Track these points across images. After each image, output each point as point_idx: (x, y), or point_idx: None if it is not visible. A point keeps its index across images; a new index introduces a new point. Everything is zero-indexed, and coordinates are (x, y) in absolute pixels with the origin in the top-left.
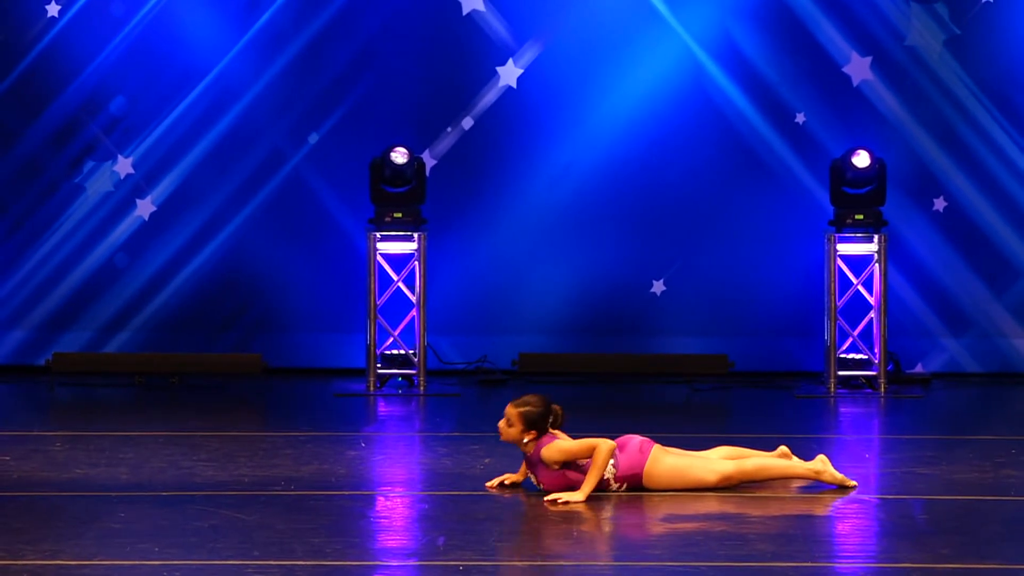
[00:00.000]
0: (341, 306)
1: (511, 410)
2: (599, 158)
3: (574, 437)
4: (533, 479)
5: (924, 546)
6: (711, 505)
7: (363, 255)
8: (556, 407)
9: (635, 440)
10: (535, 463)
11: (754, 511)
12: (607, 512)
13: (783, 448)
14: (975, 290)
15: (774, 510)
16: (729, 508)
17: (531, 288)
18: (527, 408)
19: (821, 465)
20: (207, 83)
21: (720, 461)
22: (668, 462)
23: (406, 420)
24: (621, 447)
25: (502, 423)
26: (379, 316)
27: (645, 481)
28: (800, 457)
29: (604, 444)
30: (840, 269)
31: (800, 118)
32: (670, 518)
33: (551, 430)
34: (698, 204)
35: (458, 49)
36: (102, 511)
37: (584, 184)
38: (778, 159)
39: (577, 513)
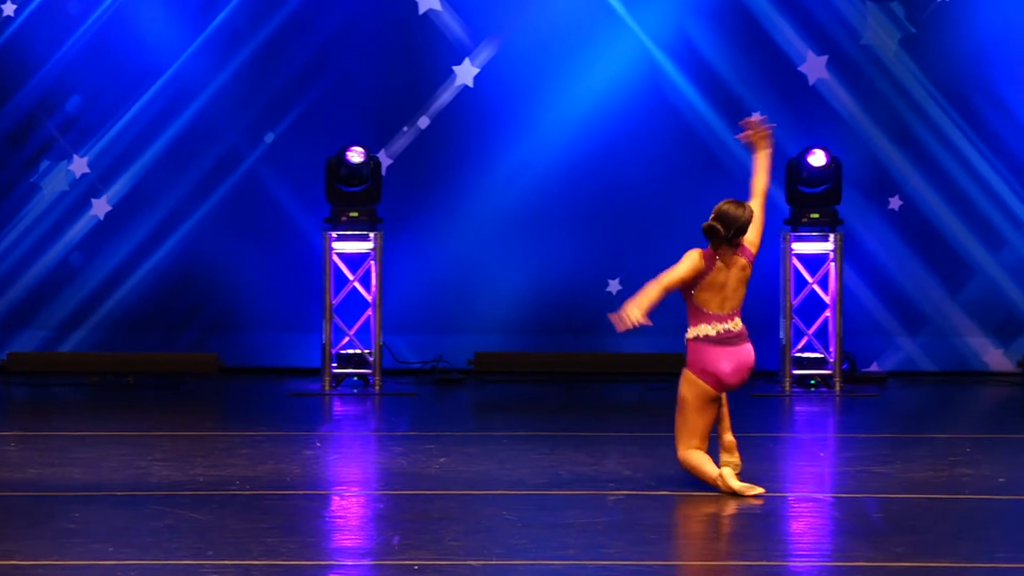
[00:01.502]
0: (297, 305)
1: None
2: (555, 157)
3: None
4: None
5: (879, 545)
6: (666, 503)
7: (319, 254)
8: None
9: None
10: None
11: (709, 509)
12: (564, 511)
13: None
14: (930, 289)
15: (729, 508)
16: (683, 505)
17: (487, 287)
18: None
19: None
20: (163, 82)
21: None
22: None
23: (362, 419)
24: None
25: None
26: (335, 315)
27: None
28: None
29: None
30: (795, 268)
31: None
32: (625, 515)
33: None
34: (654, 203)
35: (414, 48)
36: (57, 511)
37: (540, 183)
38: (734, 158)
39: (532, 511)
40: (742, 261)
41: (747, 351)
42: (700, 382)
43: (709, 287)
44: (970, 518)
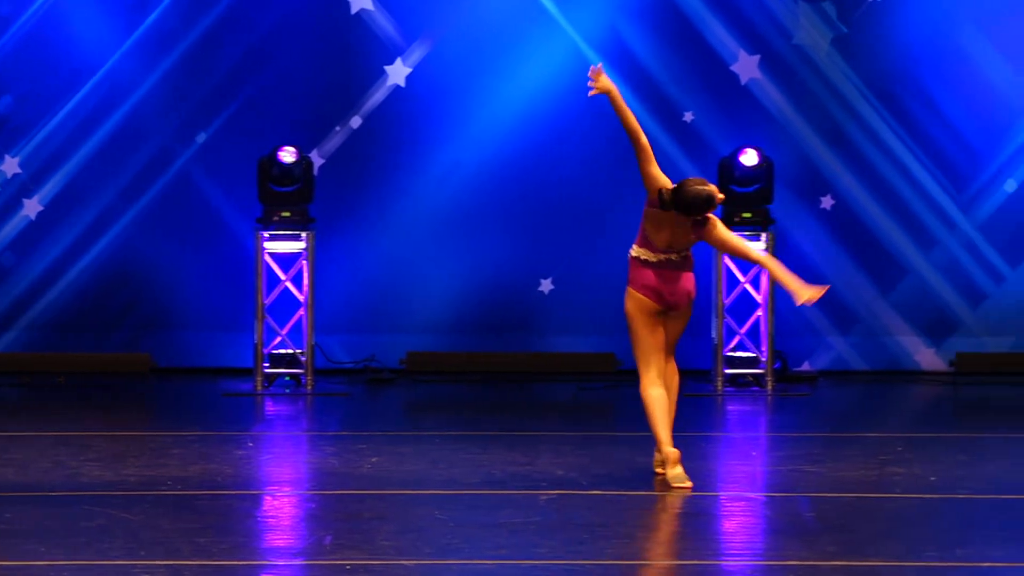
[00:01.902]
0: (229, 305)
1: (710, 185)
2: (487, 157)
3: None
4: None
5: (810, 543)
6: (599, 503)
7: (251, 254)
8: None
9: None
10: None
11: (641, 508)
12: (497, 510)
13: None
14: (862, 288)
15: (661, 507)
16: (616, 505)
17: (419, 287)
18: (694, 183)
19: (669, 463)
20: (95, 82)
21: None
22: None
23: (293, 419)
24: None
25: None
26: (267, 315)
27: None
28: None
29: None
30: (728, 267)
31: (688, 116)
32: (558, 515)
33: None
34: (586, 202)
35: (347, 48)
36: None
37: (472, 183)
38: (666, 157)
39: (465, 510)
40: (689, 229)
41: (686, 277)
42: (638, 295)
43: (653, 221)
44: (901, 517)
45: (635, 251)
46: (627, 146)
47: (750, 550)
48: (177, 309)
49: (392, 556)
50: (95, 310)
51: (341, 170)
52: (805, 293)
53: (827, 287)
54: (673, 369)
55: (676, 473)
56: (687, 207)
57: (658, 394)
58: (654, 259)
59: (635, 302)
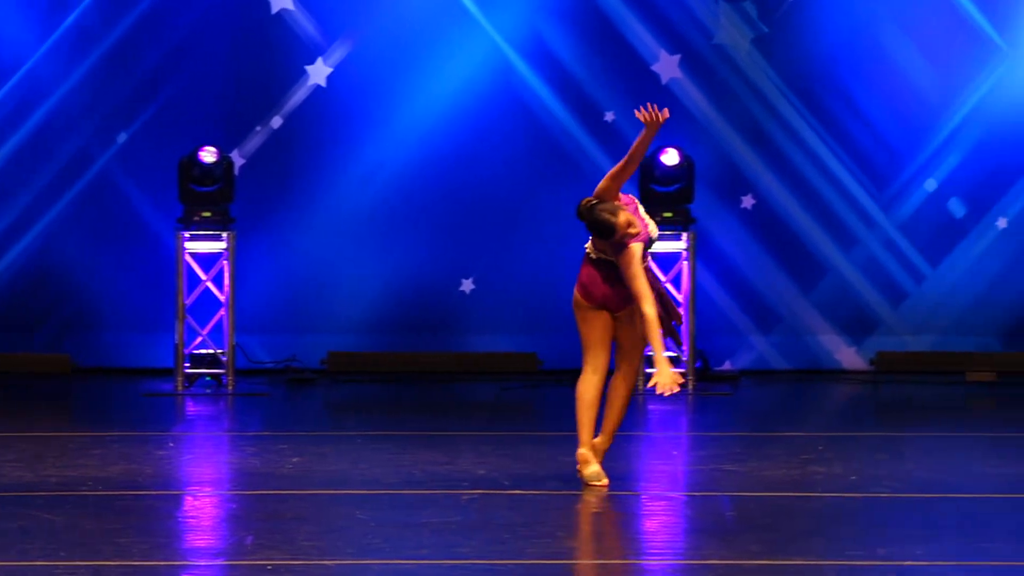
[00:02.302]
0: (150, 306)
1: (621, 218)
2: (409, 156)
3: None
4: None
5: (732, 543)
6: (521, 502)
7: (172, 254)
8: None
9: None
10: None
11: (563, 508)
12: (418, 510)
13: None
14: (783, 287)
15: (582, 507)
16: (537, 504)
17: (340, 287)
18: (595, 210)
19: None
20: (14, 82)
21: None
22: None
23: (214, 420)
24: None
25: (636, 222)
26: (187, 316)
27: None
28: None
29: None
30: (648, 267)
31: (609, 116)
32: (479, 515)
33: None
34: (508, 202)
35: (267, 48)
36: None
37: (393, 182)
38: (587, 157)
39: (386, 510)
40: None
41: (612, 280)
42: (576, 292)
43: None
44: (822, 516)
45: (587, 245)
46: (547, 146)
47: (671, 549)
48: (98, 309)
49: (313, 556)
50: (15, 310)
51: (262, 170)
52: (663, 379)
53: (682, 380)
54: (623, 375)
55: (591, 472)
56: (588, 226)
57: (584, 392)
58: (593, 256)
59: (574, 298)
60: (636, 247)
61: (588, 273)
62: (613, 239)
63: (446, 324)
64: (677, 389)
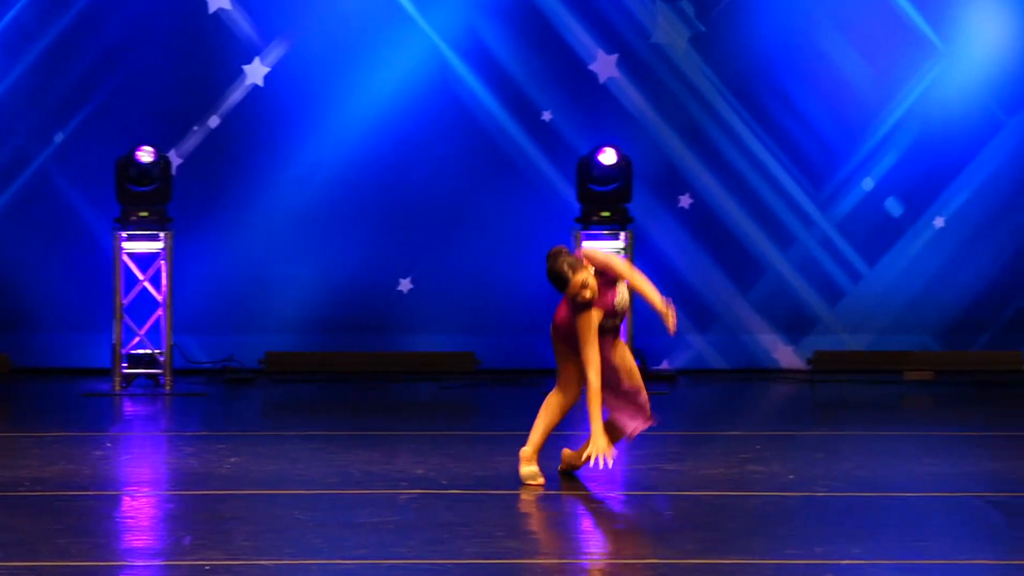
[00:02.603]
0: (87, 305)
1: (578, 275)
2: (346, 156)
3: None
4: (609, 320)
5: (670, 542)
6: (459, 502)
7: (109, 254)
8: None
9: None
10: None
11: (501, 507)
12: (356, 510)
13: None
14: (720, 286)
15: (519, 507)
16: (476, 504)
17: (278, 287)
18: (558, 263)
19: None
20: None
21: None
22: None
23: (152, 420)
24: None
25: (591, 288)
26: (125, 316)
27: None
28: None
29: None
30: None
31: (547, 116)
32: (418, 514)
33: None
34: (445, 202)
35: (204, 47)
36: None
37: (331, 182)
38: (525, 157)
39: (324, 510)
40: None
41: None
42: (553, 319)
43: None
44: (760, 515)
45: None
46: (484, 146)
47: (609, 548)
48: (35, 309)
49: (251, 556)
50: None
51: (199, 170)
52: (598, 449)
53: (616, 453)
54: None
55: (527, 471)
56: (547, 272)
57: (548, 400)
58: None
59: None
60: (594, 315)
61: (561, 309)
62: (565, 293)
63: (384, 324)
64: (611, 460)
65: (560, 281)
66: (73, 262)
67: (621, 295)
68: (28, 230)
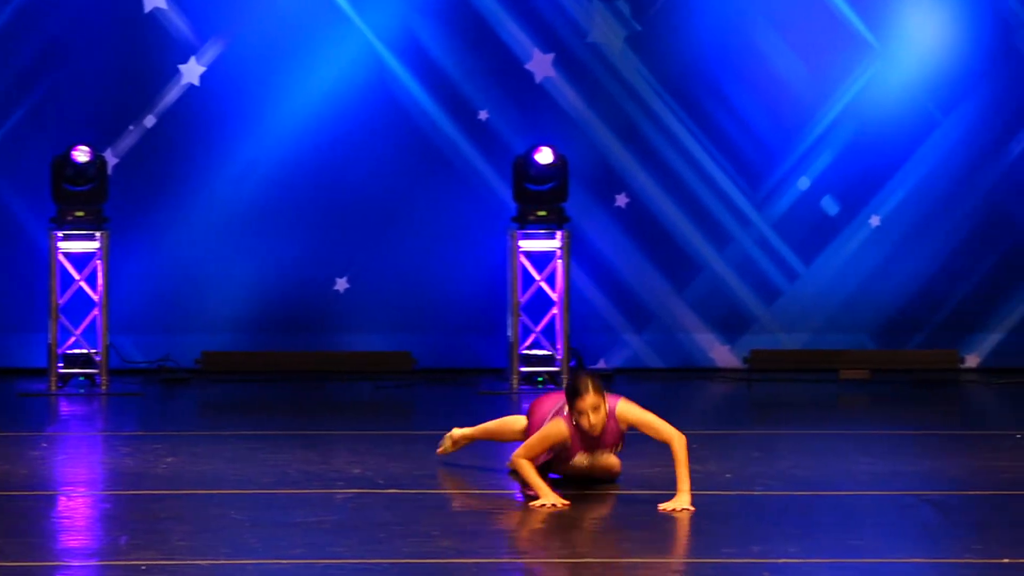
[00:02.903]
0: (23, 305)
1: (593, 397)
2: (283, 155)
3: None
4: (585, 461)
5: (607, 541)
6: (395, 501)
7: (45, 254)
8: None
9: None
10: (603, 432)
11: (438, 507)
12: (293, 510)
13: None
14: (657, 285)
15: (457, 505)
16: (412, 503)
17: (215, 286)
18: (590, 378)
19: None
20: None
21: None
22: None
23: (88, 420)
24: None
25: (596, 417)
26: (61, 315)
27: None
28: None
29: (681, 436)
30: (522, 265)
31: (483, 115)
32: (354, 514)
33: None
34: (381, 201)
35: (140, 47)
36: None
37: (268, 181)
38: (461, 156)
39: (261, 510)
40: None
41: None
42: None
43: None
44: (697, 513)
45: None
46: (420, 145)
47: (546, 547)
48: None
49: (188, 556)
50: None
51: (136, 169)
52: (546, 500)
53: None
54: None
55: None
56: (574, 377)
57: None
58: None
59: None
60: (578, 459)
61: (545, 403)
62: (571, 403)
63: (320, 323)
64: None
65: (572, 391)
66: (8, 262)
67: (612, 461)
68: None
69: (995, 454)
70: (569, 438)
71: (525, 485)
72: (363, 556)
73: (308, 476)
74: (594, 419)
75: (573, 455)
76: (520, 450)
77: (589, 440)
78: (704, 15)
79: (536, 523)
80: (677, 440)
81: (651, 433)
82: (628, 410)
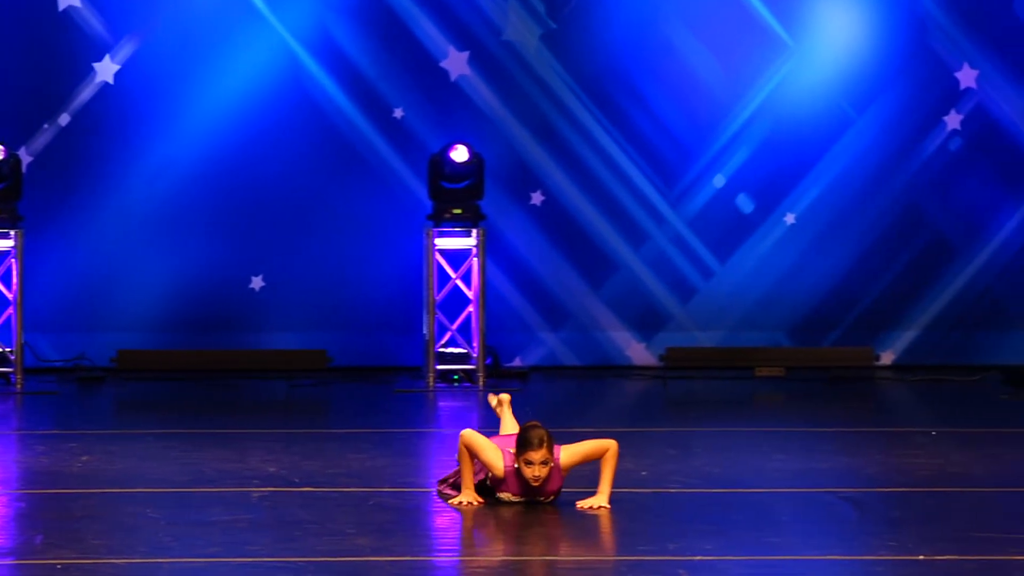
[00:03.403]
0: None
1: (543, 452)
2: (197, 153)
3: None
4: (513, 499)
5: (522, 540)
6: (311, 499)
7: None
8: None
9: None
10: (548, 478)
11: (353, 505)
12: (208, 508)
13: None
14: (573, 283)
15: (373, 504)
16: (328, 501)
17: (130, 285)
18: (545, 432)
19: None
20: None
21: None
22: None
23: (3, 418)
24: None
25: (542, 471)
26: None
27: None
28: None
29: (613, 443)
30: (438, 263)
31: (398, 113)
32: (270, 512)
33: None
34: (297, 199)
35: (54, 45)
36: None
37: (183, 180)
38: (377, 154)
39: (176, 508)
40: None
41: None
42: None
43: None
44: (613, 511)
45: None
46: (335, 143)
47: (460, 546)
48: None
49: (104, 555)
50: None
51: (50, 168)
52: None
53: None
54: None
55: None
56: (529, 428)
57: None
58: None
59: None
60: (505, 496)
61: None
62: (520, 450)
63: (236, 322)
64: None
65: (528, 442)
66: None
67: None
68: None
69: (910, 451)
70: (502, 476)
71: (449, 479)
72: (279, 554)
73: (223, 474)
74: (539, 471)
75: (500, 490)
76: (471, 434)
77: (527, 487)
78: (619, 13)
79: (451, 521)
80: (614, 447)
81: (591, 457)
82: (567, 453)
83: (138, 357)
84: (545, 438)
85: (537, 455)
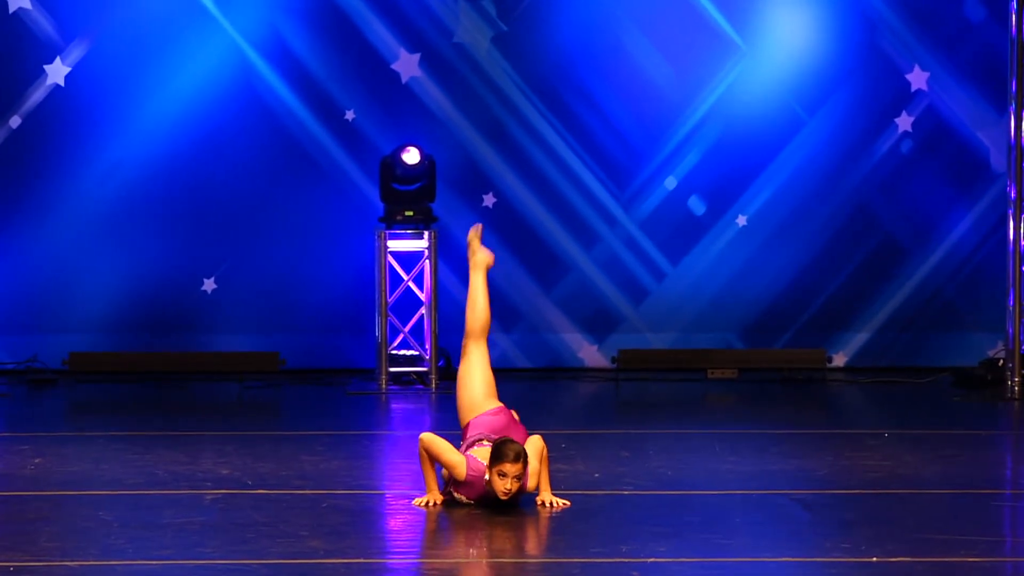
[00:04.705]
0: None
1: (518, 467)
2: (148, 155)
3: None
4: (469, 501)
5: (474, 541)
6: (263, 502)
7: None
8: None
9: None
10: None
11: (306, 507)
12: (161, 510)
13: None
14: (525, 286)
15: (326, 506)
16: (280, 503)
17: (82, 287)
18: (522, 449)
19: None
20: None
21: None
22: None
23: None
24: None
25: (514, 484)
26: None
27: None
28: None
29: (540, 439)
30: (391, 265)
31: (350, 115)
32: (222, 514)
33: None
34: (248, 201)
35: (4, 47)
36: None
37: (134, 182)
38: (328, 156)
39: (129, 511)
40: None
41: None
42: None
43: None
44: (565, 514)
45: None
46: (287, 145)
47: (415, 548)
48: None
49: (56, 557)
50: None
51: (1, 170)
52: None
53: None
54: None
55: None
56: (507, 440)
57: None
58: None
59: None
60: (462, 500)
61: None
62: (494, 461)
63: (188, 324)
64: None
65: (504, 455)
66: None
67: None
68: None
69: (862, 453)
70: (463, 479)
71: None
72: (232, 557)
73: (176, 477)
74: (511, 485)
75: (457, 491)
76: (430, 437)
77: (485, 496)
78: (570, 15)
79: (405, 524)
80: (543, 443)
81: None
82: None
83: (90, 359)
84: (522, 455)
85: (513, 468)
